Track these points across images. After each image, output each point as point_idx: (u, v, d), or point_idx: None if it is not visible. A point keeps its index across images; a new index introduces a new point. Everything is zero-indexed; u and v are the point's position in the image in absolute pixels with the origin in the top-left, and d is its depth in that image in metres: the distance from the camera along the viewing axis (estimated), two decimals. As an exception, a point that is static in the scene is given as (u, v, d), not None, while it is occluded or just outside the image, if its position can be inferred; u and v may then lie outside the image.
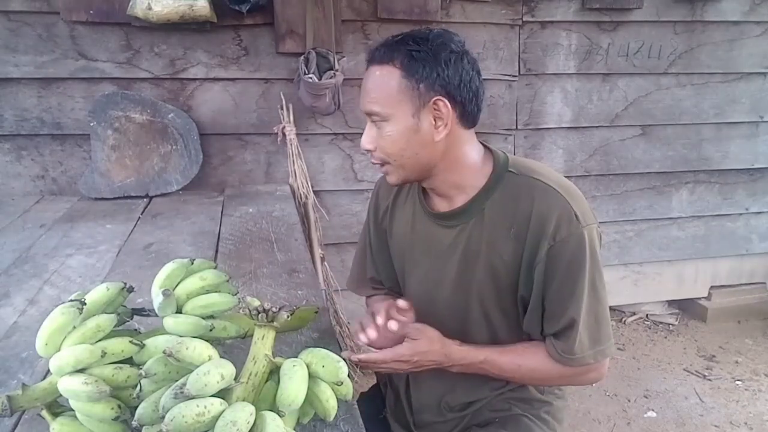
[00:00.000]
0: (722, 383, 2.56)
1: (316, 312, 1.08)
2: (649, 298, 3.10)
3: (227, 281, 0.97)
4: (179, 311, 0.90)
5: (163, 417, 0.66)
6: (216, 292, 0.95)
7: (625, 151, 2.79)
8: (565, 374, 1.08)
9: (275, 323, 0.81)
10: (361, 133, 1.07)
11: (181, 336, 0.82)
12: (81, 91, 2.21)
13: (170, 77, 2.27)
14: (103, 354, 0.77)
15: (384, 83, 1.00)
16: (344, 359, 0.81)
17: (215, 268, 0.98)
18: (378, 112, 1.01)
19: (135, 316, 0.93)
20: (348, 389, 0.83)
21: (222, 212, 1.93)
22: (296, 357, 0.81)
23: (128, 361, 0.81)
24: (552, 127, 2.70)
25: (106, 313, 0.85)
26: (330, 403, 0.79)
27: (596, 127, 2.74)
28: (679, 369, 2.68)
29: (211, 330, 0.88)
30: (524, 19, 2.53)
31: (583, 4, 2.55)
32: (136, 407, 0.72)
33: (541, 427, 1.18)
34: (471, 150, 1.08)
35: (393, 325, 1.03)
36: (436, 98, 0.99)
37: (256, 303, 0.83)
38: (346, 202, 2.57)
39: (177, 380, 0.71)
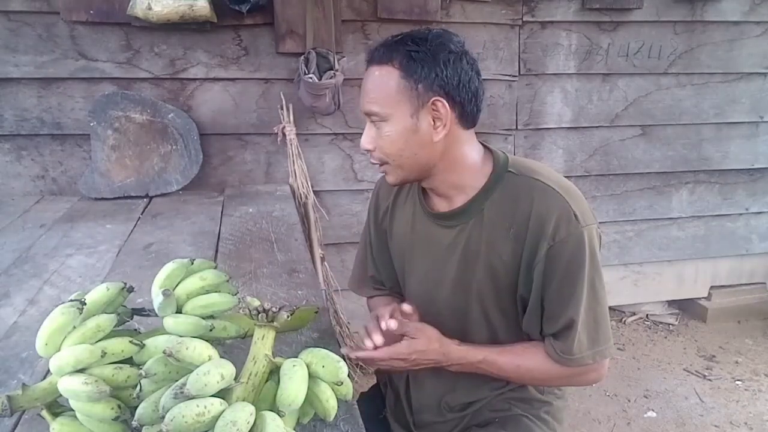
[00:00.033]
0: (722, 383, 2.56)
1: (316, 312, 1.08)
2: (649, 298, 3.10)
3: (227, 281, 0.98)
4: (179, 311, 0.90)
5: (163, 417, 0.66)
6: (216, 292, 0.95)
7: (625, 151, 2.79)
8: (564, 374, 1.08)
9: (275, 323, 0.81)
10: (361, 133, 1.07)
11: (181, 336, 0.82)
12: (81, 91, 2.21)
13: (170, 77, 2.27)
14: (103, 354, 0.77)
15: (383, 83, 1.00)
16: (343, 356, 0.82)
17: (215, 268, 0.99)
18: (377, 113, 1.01)
19: (135, 316, 0.93)
20: (348, 389, 0.83)
21: (222, 212, 1.93)
22: (296, 357, 0.81)
23: (128, 361, 0.81)
24: (552, 127, 2.70)
25: (106, 313, 0.85)
26: (330, 403, 0.79)
27: (596, 127, 2.74)
28: (679, 369, 2.68)
29: (211, 330, 0.88)
30: (524, 19, 2.53)
31: (583, 4, 2.55)
32: (136, 407, 0.72)
33: (541, 427, 1.18)
34: (470, 150, 1.08)
35: (392, 323, 1.03)
36: (434, 99, 0.99)
37: (256, 303, 0.83)
38: (346, 202, 2.57)
39: (177, 380, 0.71)
